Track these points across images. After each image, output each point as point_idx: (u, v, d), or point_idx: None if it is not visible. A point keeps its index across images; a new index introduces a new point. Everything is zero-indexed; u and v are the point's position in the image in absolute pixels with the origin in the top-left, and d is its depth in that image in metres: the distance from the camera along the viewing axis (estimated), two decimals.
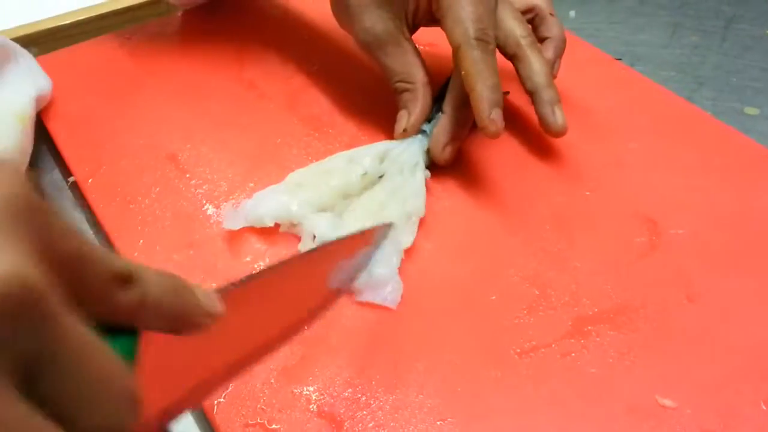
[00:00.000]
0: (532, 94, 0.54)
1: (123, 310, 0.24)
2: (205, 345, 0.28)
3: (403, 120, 0.53)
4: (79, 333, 0.21)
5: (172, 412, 0.27)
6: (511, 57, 0.54)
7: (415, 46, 0.54)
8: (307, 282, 0.35)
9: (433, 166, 0.53)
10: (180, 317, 0.26)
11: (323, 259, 0.37)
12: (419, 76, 0.53)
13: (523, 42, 0.53)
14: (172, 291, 0.26)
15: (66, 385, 0.21)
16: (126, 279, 0.24)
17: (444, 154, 0.52)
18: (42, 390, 0.20)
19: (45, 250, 0.21)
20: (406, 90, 0.53)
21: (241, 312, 0.30)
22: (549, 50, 0.57)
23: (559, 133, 0.53)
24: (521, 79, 0.54)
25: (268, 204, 0.48)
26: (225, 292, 0.29)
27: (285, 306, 0.34)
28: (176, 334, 0.26)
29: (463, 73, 0.49)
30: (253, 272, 0.31)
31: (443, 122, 0.52)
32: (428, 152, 0.52)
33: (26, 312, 0.19)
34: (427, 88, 0.53)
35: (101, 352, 0.22)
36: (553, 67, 0.56)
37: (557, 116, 0.53)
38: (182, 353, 0.28)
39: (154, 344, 0.25)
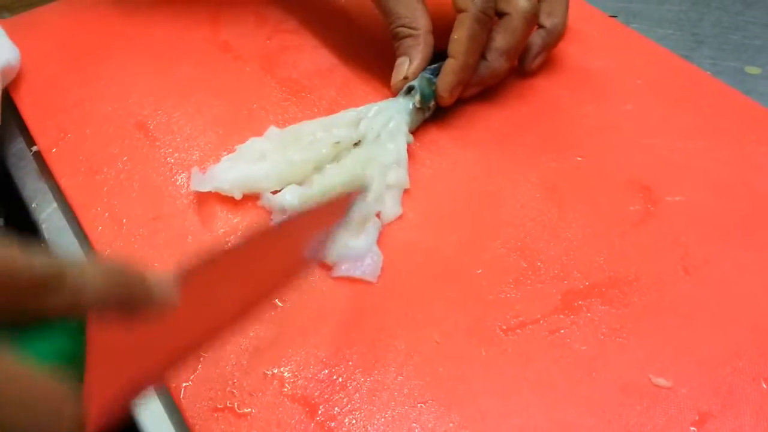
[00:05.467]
0: (543, 28, 0.53)
1: (54, 313, 0.24)
2: (162, 328, 0.27)
3: (404, 66, 0.51)
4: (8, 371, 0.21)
5: (132, 393, 0.26)
6: None
7: None
8: (272, 256, 0.33)
9: (416, 130, 0.50)
10: (127, 308, 0.25)
11: (291, 232, 0.34)
12: (423, 22, 0.51)
13: None
14: (116, 284, 0.25)
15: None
16: (50, 284, 0.23)
17: (466, 94, 0.52)
18: None
19: None
20: (409, 36, 0.50)
21: (201, 291, 0.28)
22: (537, 38, 0.54)
23: (524, 75, 0.55)
24: (542, 11, 0.53)
25: (235, 173, 0.45)
26: (184, 275, 0.27)
27: (249, 281, 0.32)
28: (127, 320, 0.25)
29: (455, 37, 0.49)
30: (214, 249, 0.29)
31: (481, 68, 0.51)
32: (413, 113, 0.49)
33: None
34: (430, 36, 0.51)
35: (31, 381, 0.22)
36: (534, 59, 0.54)
37: (536, 60, 0.54)
38: (137, 337, 0.26)
39: (103, 332, 0.24)
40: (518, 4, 0.49)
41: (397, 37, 0.51)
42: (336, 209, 0.37)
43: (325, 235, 0.36)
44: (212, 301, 0.30)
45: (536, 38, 0.53)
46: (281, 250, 0.33)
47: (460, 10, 0.48)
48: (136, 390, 0.27)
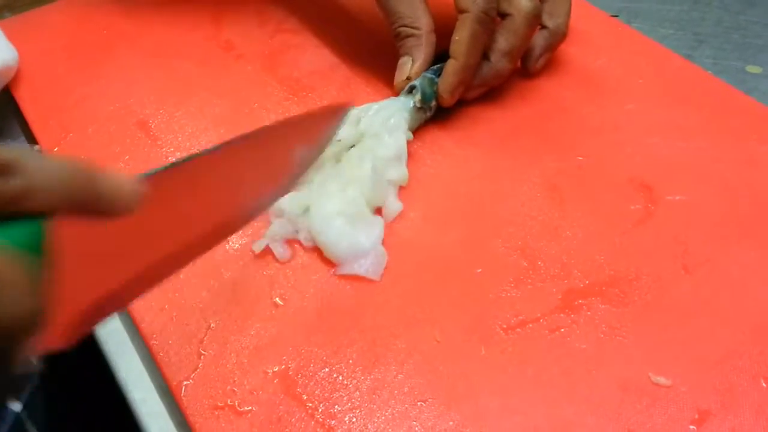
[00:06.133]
0: (546, 29, 0.53)
1: (7, 202, 0.23)
2: (130, 234, 0.27)
3: (407, 66, 0.51)
4: None
5: (101, 309, 0.26)
6: None
7: None
8: (247, 168, 0.32)
9: (418, 130, 0.50)
10: (84, 204, 0.25)
11: (267, 142, 0.33)
12: (425, 21, 0.51)
13: None
14: (71, 178, 0.25)
15: None
16: (4, 168, 0.23)
17: (469, 95, 0.52)
18: None
19: None
20: (411, 35, 0.51)
21: (170, 200, 0.28)
22: (540, 39, 0.54)
23: (527, 76, 0.55)
24: (544, 11, 0.53)
25: None
26: (151, 178, 0.27)
27: (222, 195, 0.31)
28: (87, 219, 0.25)
29: (457, 38, 0.49)
30: (187, 156, 0.29)
31: (484, 69, 0.51)
32: (414, 112, 0.49)
33: None
34: (432, 36, 0.51)
35: None
36: (537, 59, 0.54)
37: (540, 61, 0.54)
38: (103, 242, 0.26)
39: (64, 231, 0.24)
40: (520, 5, 0.49)
41: (399, 37, 0.51)
42: (318, 123, 0.36)
43: (306, 152, 0.35)
44: (180, 214, 0.29)
45: (539, 39, 0.53)
46: (257, 162, 0.32)
47: (461, 11, 0.48)
48: (102, 305, 0.26)
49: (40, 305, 0.23)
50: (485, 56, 0.50)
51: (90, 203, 0.25)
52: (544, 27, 0.53)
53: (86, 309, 0.25)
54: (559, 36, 0.54)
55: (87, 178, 0.25)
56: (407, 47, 0.51)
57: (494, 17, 0.49)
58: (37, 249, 0.24)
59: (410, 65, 0.50)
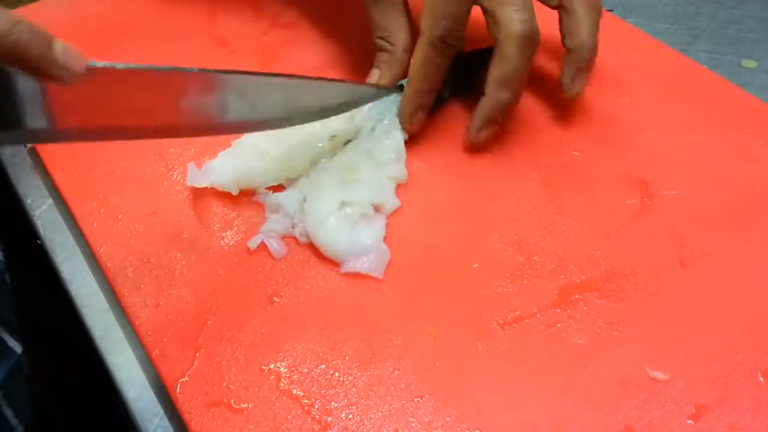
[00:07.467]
0: (569, 51, 0.48)
1: None
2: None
3: (373, 79, 0.50)
4: None
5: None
6: (557, 6, 0.49)
7: (407, 6, 0.49)
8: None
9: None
10: (22, 61, 0.30)
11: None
12: (402, 38, 0.48)
13: None
14: (7, 35, 0.29)
15: None
16: None
17: (479, 137, 0.48)
18: None
19: None
20: (385, 50, 0.49)
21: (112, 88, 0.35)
22: (565, 64, 0.49)
23: (569, 98, 0.50)
24: (563, 31, 0.49)
25: (232, 169, 0.45)
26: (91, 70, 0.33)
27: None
28: (32, 75, 0.30)
29: (412, 61, 0.47)
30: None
31: (482, 103, 0.47)
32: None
33: None
34: (406, 55, 0.49)
35: None
36: (571, 84, 0.49)
37: (576, 84, 0.49)
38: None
39: None
40: (509, 29, 0.45)
41: (375, 48, 0.50)
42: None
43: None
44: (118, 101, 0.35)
45: (565, 63, 0.49)
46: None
47: (420, 33, 0.46)
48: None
49: None
50: (481, 89, 0.47)
51: (30, 63, 0.30)
52: (567, 48, 0.49)
53: None
54: (586, 53, 0.48)
55: (30, 40, 0.29)
56: (379, 61, 0.50)
57: (453, 45, 0.46)
58: None
59: (376, 79, 0.49)
